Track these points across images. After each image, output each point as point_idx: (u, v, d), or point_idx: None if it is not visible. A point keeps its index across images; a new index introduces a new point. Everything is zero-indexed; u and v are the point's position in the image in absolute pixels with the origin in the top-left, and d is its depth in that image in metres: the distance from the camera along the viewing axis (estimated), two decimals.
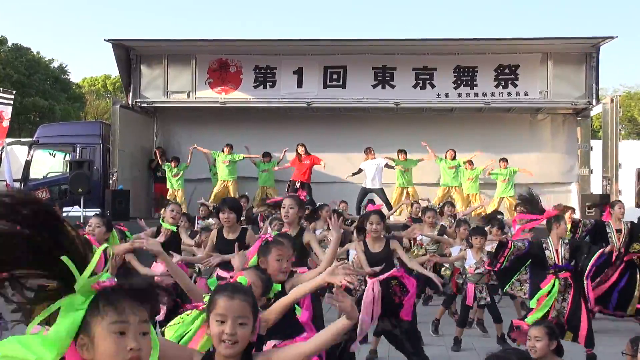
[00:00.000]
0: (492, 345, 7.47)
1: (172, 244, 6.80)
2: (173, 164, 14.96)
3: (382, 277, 6.28)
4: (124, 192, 14.24)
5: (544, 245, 6.88)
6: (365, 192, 14.32)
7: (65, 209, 13.72)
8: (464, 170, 14.53)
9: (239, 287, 2.54)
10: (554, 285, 6.69)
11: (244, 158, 14.84)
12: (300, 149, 14.46)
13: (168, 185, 14.94)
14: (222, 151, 14.83)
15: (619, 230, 8.94)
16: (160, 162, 15.69)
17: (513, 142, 15.55)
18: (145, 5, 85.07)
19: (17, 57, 34.59)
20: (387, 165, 14.49)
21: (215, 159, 15.03)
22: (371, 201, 11.78)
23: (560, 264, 6.75)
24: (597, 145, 15.04)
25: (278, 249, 4.02)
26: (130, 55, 15.39)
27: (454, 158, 14.60)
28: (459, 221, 9.49)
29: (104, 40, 14.56)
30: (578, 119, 15.55)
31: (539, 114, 15.65)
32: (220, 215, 6.26)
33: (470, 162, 14.55)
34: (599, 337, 7.48)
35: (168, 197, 14.76)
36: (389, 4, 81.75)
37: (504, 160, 14.49)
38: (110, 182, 14.61)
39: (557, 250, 6.80)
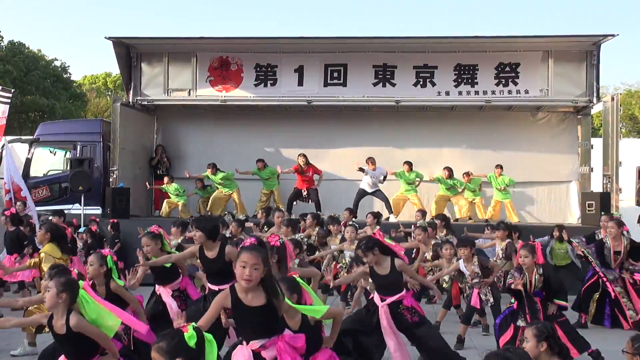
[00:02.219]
0: (492, 343, 7.48)
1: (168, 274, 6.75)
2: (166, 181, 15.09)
3: (389, 300, 6.11)
4: (125, 189, 14.25)
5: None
6: (363, 193, 14.32)
7: (65, 207, 13.75)
8: (462, 183, 14.57)
9: None
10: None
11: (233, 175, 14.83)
12: (301, 160, 14.35)
13: (173, 199, 14.92)
14: (210, 171, 14.78)
15: (617, 252, 8.95)
16: (160, 159, 15.79)
17: (514, 141, 15.56)
18: (146, 4, 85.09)
19: (15, 55, 34.61)
20: (384, 178, 14.38)
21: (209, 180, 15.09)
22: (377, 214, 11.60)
23: (531, 292, 6.70)
24: (597, 143, 15.01)
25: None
26: (131, 53, 15.39)
27: (449, 177, 14.52)
28: (442, 242, 9.35)
29: (105, 38, 14.58)
30: (579, 117, 15.53)
31: (540, 112, 15.63)
32: (192, 233, 6.35)
33: (467, 174, 14.59)
34: (600, 334, 7.50)
35: (164, 210, 14.80)
36: (389, 2, 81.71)
37: (499, 167, 14.53)
38: (111, 179, 14.63)
39: (530, 281, 6.70)
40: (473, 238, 9.76)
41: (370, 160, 14.24)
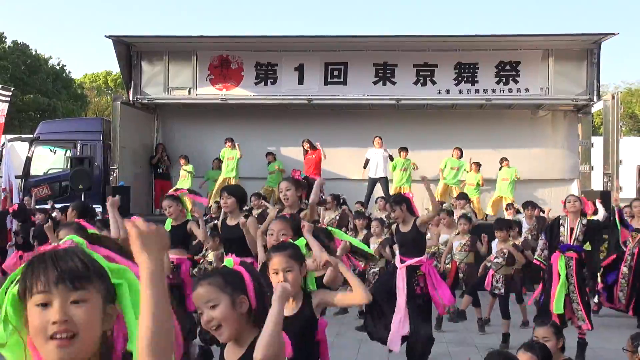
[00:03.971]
0: (492, 341, 7.49)
1: (178, 237, 6.43)
2: (182, 162, 15.21)
3: (408, 262, 6.33)
4: (125, 188, 14.23)
5: (560, 221, 6.87)
6: (373, 182, 14.46)
7: (66, 205, 13.67)
8: (465, 173, 14.57)
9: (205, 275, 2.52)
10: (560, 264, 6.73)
11: (241, 156, 14.86)
12: (306, 145, 14.58)
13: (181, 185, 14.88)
14: (226, 146, 14.91)
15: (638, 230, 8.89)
16: (160, 158, 15.78)
17: (514, 139, 15.54)
18: (147, 3, 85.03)
19: (14, 52, 34.59)
20: (390, 157, 14.62)
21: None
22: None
23: (572, 243, 6.72)
24: (598, 141, 15.02)
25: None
26: (131, 52, 15.37)
27: (460, 157, 14.57)
28: (461, 216, 9.81)
29: (105, 36, 14.56)
30: (579, 115, 15.52)
31: (540, 111, 15.63)
32: (221, 201, 6.17)
33: (477, 164, 14.59)
34: (600, 333, 7.50)
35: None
36: (390, 1, 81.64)
37: (505, 159, 14.55)
38: (111, 178, 14.62)
39: (572, 229, 6.75)
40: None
41: (377, 139, 14.51)
